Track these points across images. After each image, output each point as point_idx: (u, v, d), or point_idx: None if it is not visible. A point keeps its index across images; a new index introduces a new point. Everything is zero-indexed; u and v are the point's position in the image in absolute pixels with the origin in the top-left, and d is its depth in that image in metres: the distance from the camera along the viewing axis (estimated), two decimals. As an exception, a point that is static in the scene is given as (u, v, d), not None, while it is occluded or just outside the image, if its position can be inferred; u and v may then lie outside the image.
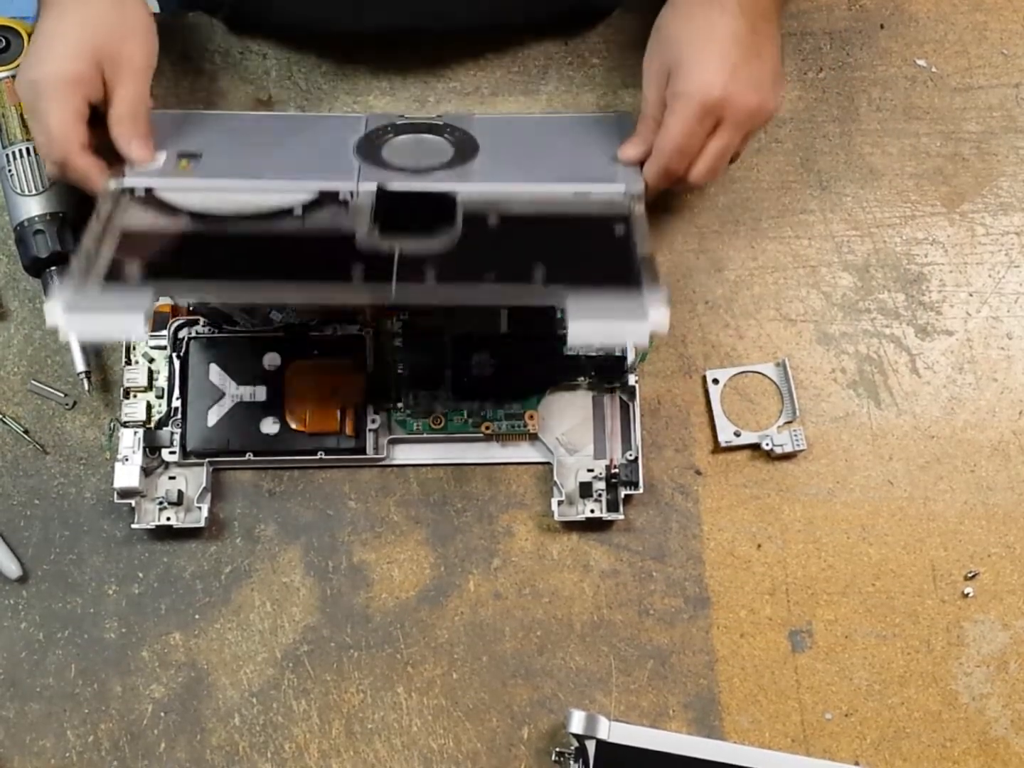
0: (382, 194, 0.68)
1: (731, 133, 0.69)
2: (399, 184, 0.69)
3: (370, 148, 0.72)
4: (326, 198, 0.68)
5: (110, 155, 0.70)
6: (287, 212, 0.67)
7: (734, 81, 0.67)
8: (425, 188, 0.68)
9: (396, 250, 0.63)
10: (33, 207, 0.73)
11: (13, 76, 0.74)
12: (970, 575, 0.72)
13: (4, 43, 0.75)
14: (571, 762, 0.67)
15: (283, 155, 0.73)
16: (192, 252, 0.65)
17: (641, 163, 0.71)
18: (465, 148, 0.73)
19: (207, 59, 0.82)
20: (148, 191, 0.68)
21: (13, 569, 0.71)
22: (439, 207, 0.67)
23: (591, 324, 0.58)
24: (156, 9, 0.92)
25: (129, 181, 0.68)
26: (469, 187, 0.68)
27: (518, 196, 0.68)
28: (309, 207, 0.67)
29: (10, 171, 0.74)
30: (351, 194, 0.68)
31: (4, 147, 0.74)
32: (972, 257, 0.78)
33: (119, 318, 0.59)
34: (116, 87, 0.69)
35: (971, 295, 0.77)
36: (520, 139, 0.75)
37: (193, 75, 0.81)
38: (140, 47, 0.70)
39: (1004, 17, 0.83)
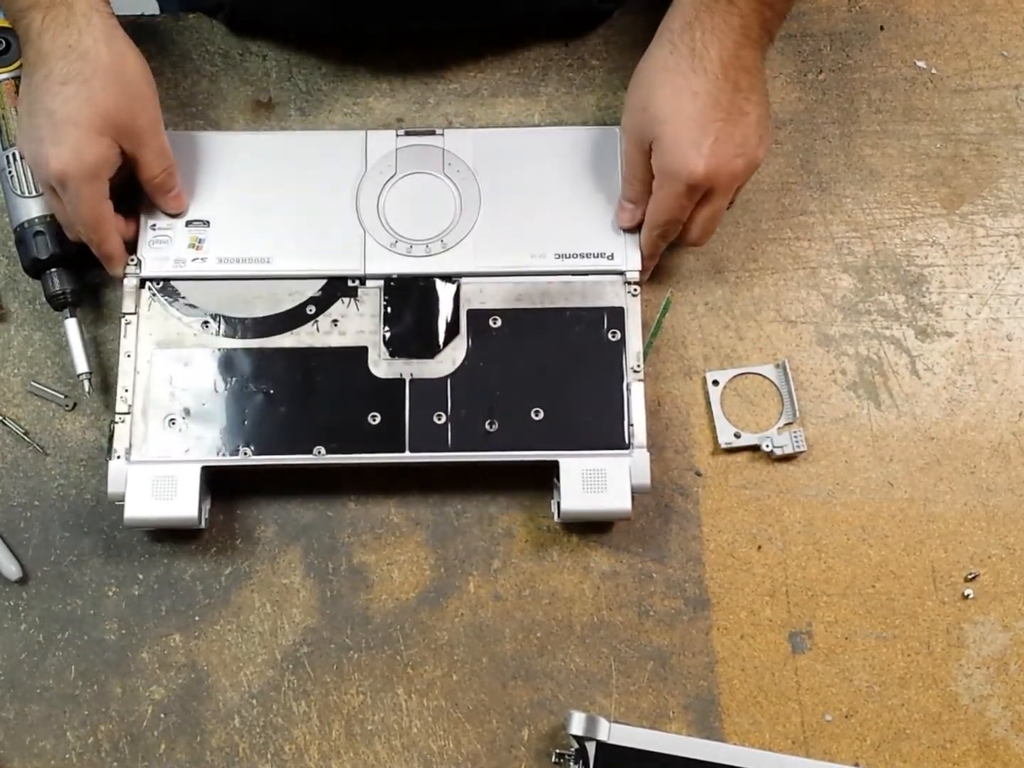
0: (389, 288, 0.73)
1: (720, 199, 0.70)
2: (405, 266, 0.74)
3: (372, 201, 0.75)
4: (335, 286, 0.73)
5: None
6: (300, 309, 0.73)
7: (717, 154, 0.68)
8: (431, 272, 0.74)
9: (407, 383, 0.71)
10: (33, 208, 0.73)
11: (15, 78, 0.74)
12: (970, 576, 0.72)
13: (4, 45, 0.75)
14: (571, 763, 0.67)
15: (289, 221, 0.75)
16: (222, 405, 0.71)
17: (637, 225, 0.74)
18: (465, 201, 0.75)
19: (207, 60, 0.82)
20: (165, 281, 0.73)
21: (13, 570, 0.71)
22: (444, 303, 0.73)
23: (582, 497, 0.69)
24: (157, 10, 0.92)
25: (147, 270, 0.73)
26: (472, 283, 0.73)
27: (520, 286, 0.73)
28: (321, 303, 0.73)
29: (10, 172, 0.74)
30: (359, 280, 0.73)
31: (4, 148, 0.74)
32: (972, 259, 0.78)
33: (175, 507, 0.69)
34: (139, 154, 0.71)
35: (971, 297, 0.77)
36: (520, 179, 0.76)
37: (194, 76, 0.81)
38: (148, 107, 0.71)
39: (1004, 19, 0.83)
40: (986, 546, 0.73)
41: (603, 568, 0.72)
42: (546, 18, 0.82)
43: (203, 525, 0.71)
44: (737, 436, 0.74)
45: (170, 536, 0.73)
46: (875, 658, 0.71)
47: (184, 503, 0.69)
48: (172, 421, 0.70)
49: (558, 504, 0.70)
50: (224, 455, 0.70)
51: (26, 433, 0.74)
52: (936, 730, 0.70)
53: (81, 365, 0.73)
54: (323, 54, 0.82)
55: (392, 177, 0.76)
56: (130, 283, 0.73)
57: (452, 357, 0.72)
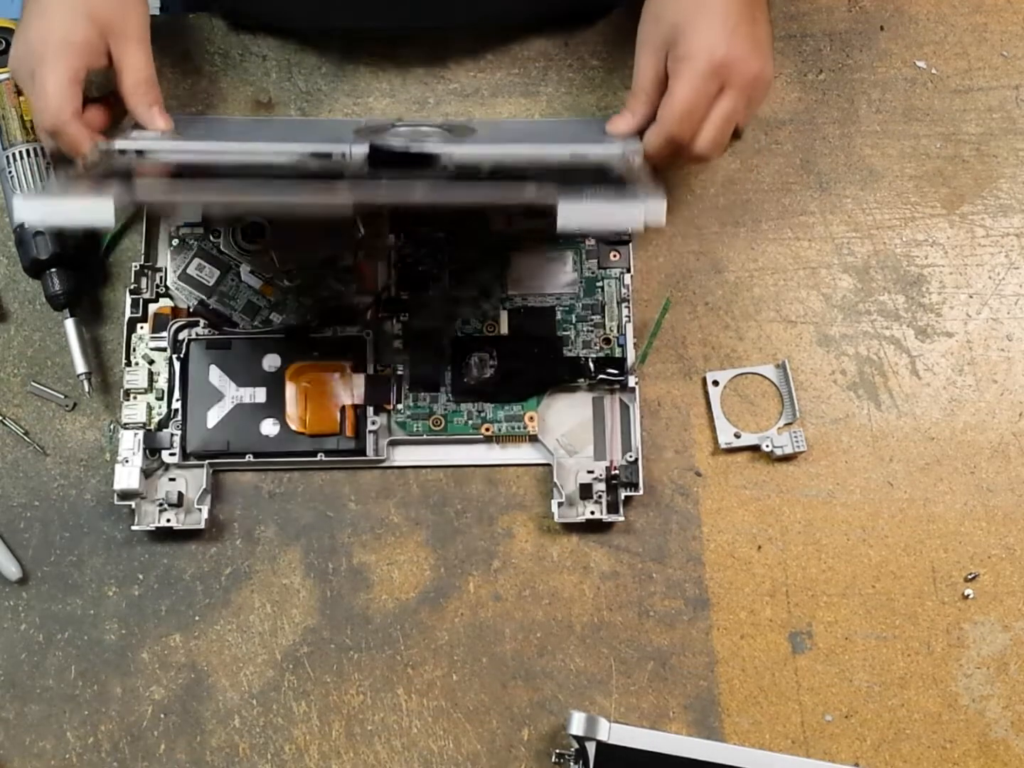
0: (376, 151, 0.64)
1: (735, 97, 0.68)
2: (395, 143, 0.66)
3: (368, 133, 0.70)
4: (319, 158, 0.64)
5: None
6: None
7: (736, 43, 0.67)
8: (421, 150, 0.64)
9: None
10: (33, 209, 0.73)
11: (14, 78, 0.75)
12: (970, 577, 0.72)
13: (4, 45, 0.75)
14: (571, 764, 0.67)
15: (279, 133, 0.71)
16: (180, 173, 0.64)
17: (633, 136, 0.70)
18: (462, 133, 0.72)
19: (207, 60, 0.82)
20: (139, 152, 0.65)
21: (13, 571, 0.71)
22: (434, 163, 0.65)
23: (582, 206, 0.57)
24: (156, 11, 0.92)
25: (119, 144, 0.66)
26: (465, 148, 0.66)
27: (513, 156, 0.65)
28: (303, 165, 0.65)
29: (10, 172, 0.74)
30: (344, 155, 0.64)
31: (4, 148, 0.74)
32: (972, 259, 0.78)
33: (87, 203, 0.58)
34: (124, 56, 0.69)
35: (971, 297, 0.77)
36: (517, 132, 0.75)
37: (193, 76, 0.81)
38: (138, 15, 0.70)
39: (1004, 19, 0.83)
40: (986, 546, 0.73)
41: (603, 568, 0.72)
42: (546, 12, 0.81)
43: (203, 525, 0.71)
44: (737, 436, 0.74)
45: (170, 536, 0.73)
46: (875, 658, 0.71)
47: (98, 205, 0.58)
48: None
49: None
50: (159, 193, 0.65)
51: (26, 433, 0.74)
52: (936, 730, 0.70)
53: (81, 365, 0.73)
54: (323, 54, 0.82)
55: (389, 126, 0.73)
56: (99, 147, 0.65)
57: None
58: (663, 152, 0.68)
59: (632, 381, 0.73)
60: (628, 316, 0.74)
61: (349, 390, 0.73)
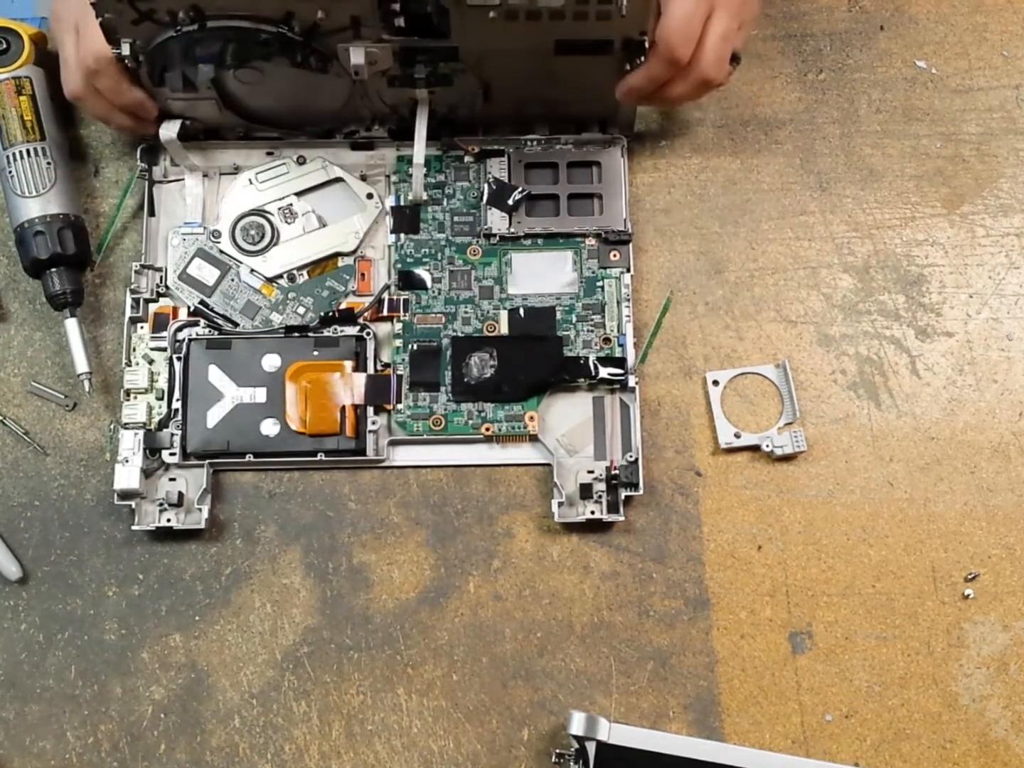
0: None
1: (727, 17, 0.69)
2: None
3: None
4: None
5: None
6: None
7: None
8: None
9: None
10: (33, 208, 0.73)
11: (15, 78, 0.75)
12: (970, 576, 0.72)
13: (4, 45, 0.75)
14: (571, 763, 0.67)
15: None
16: None
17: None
18: None
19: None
20: None
21: (13, 570, 0.71)
22: None
23: None
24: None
25: None
26: None
27: None
28: None
29: (11, 172, 0.74)
30: None
31: (4, 148, 0.74)
32: (972, 259, 0.78)
33: None
34: None
35: (971, 296, 0.77)
36: None
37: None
38: None
39: (1004, 19, 0.83)
40: (986, 546, 0.73)
41: (603, 568, 0.72)
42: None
43: (204, 525, 0.71)
44: (737, 436, 0.74)
45: (170, 536, 0.73)
46: (875, 658, 0.71)
47: None
48: None
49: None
50: None
51: (26, 433, 0.74)
52: (936, 730, 0.70)
53: (81, 365, 0.73)
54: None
55: None
56: None
57: None
58: (665, 73, 0.69)
59: (632, 381, 0.73)
60: (628, 316, 0.74)
61: (349, 390, 0.73)
